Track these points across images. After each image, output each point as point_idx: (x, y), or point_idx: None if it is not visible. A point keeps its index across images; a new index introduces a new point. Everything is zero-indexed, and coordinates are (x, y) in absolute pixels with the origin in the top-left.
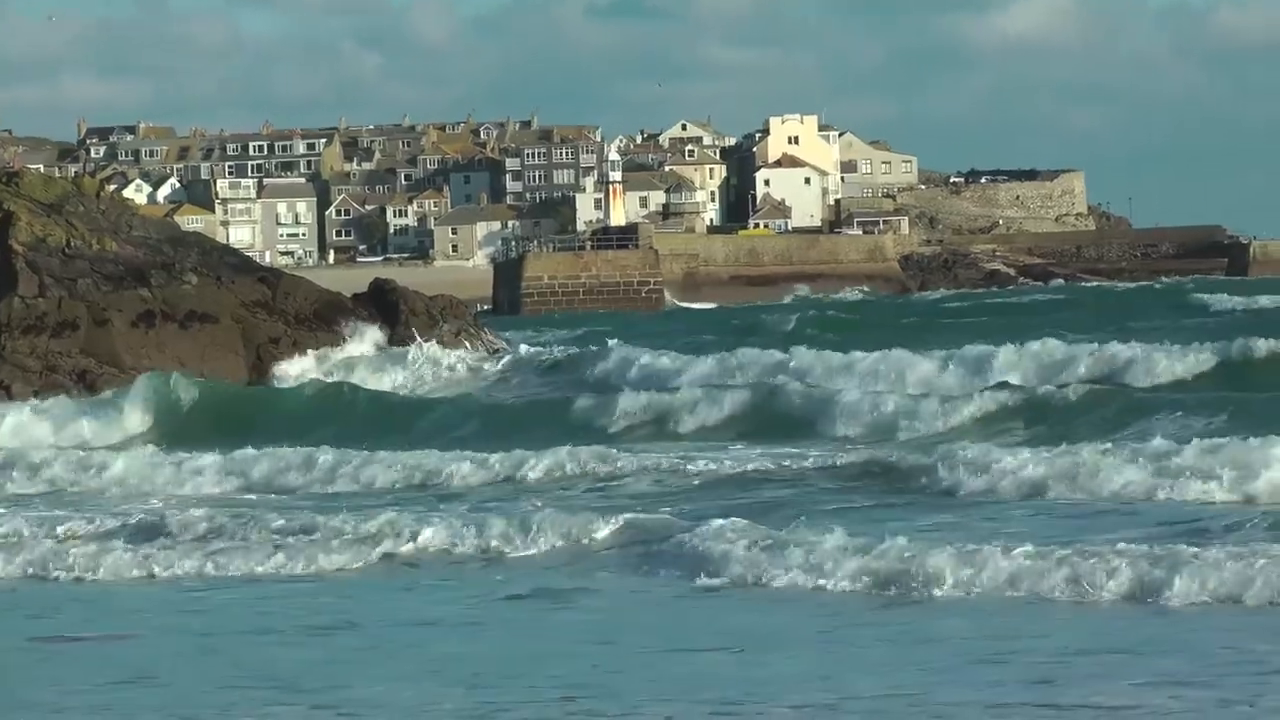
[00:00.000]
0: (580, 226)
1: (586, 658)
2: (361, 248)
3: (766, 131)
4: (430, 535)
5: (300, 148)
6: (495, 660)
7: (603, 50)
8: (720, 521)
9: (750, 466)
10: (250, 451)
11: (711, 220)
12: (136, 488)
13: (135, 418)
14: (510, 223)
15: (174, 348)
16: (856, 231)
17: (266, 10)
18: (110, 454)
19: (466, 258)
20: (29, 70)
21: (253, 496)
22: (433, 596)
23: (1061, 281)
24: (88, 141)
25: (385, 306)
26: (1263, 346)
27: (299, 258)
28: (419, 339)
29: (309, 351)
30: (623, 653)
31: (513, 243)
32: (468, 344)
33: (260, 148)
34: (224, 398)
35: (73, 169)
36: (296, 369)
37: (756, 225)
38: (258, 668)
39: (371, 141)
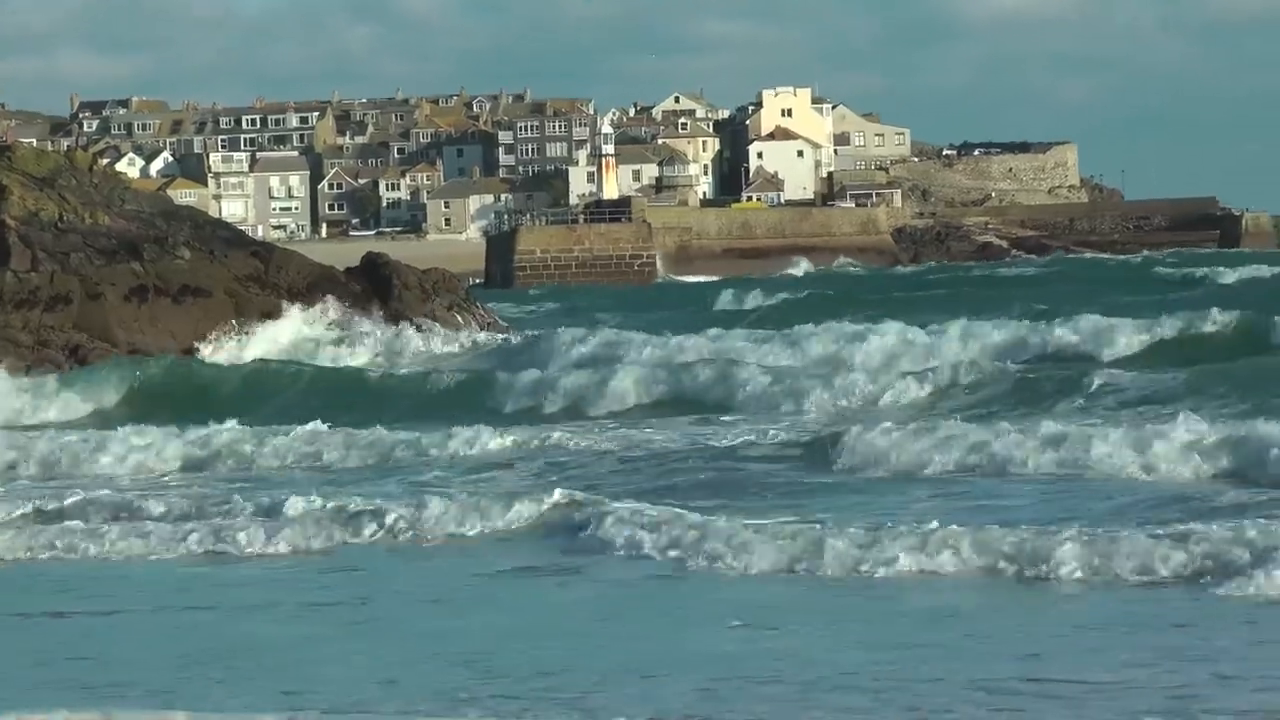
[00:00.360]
0: (573, 200)
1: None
2: (354, 221)
3: (759, 104)
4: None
5: (293, 121)
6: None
7: (595, 23)
8: (633, 504)
9: (666, 446)
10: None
11: (704, 193)
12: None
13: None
14: (503, 196)
15: (167, 322)
16: (849, 204)
17: None
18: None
19: (459, 231)
20: (21, 44)
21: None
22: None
23: (1063, 253)
24: (80, 115)
25: (378, 280)
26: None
27: (292, 231)
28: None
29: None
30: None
31: (505, 216)
32: (459, 318)
33: (253, 121)
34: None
35: (65, 143)
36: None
37: (749, 198)
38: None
39: (364, 115)
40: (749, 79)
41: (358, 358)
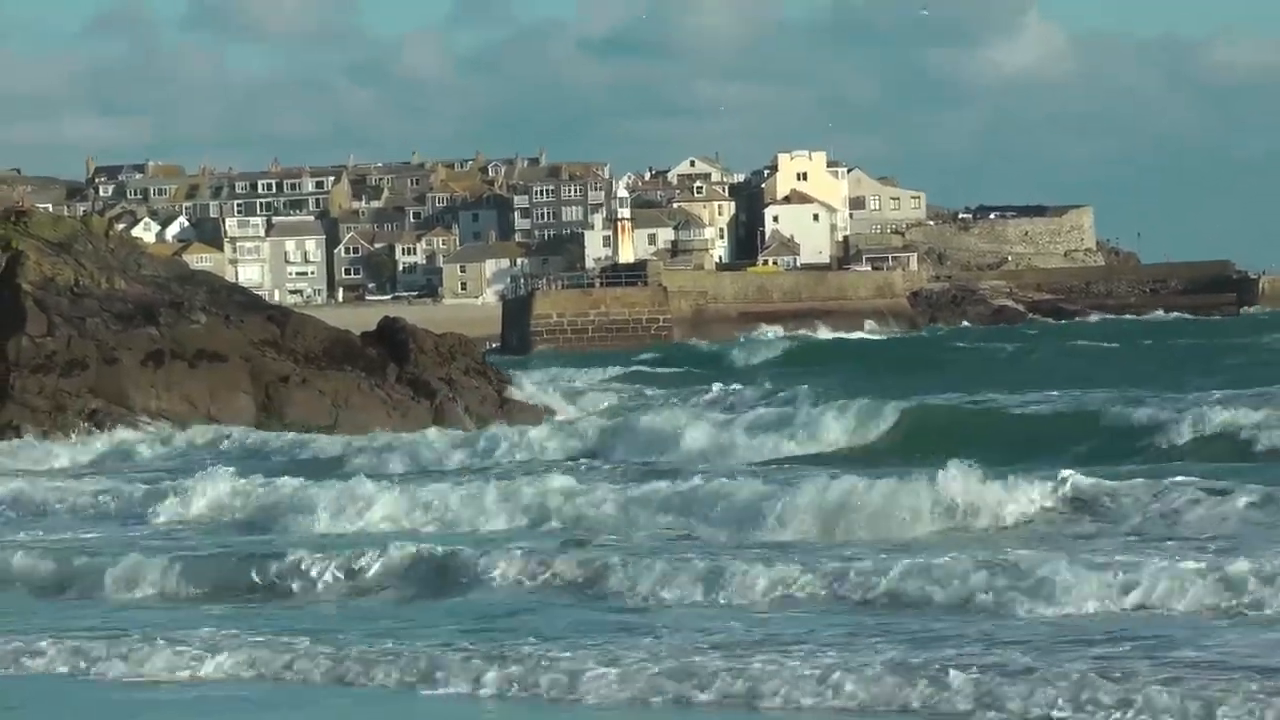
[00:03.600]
0: (589, 264)
1: None
2: (370, 286)
3: (775, 168)
4: None
5: (309, 186)
6: None
7: (604, 86)
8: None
9: None
10: None
11: (720, 257)
12: None
13: None
14: (519, 260)
15: (183, 387)
16: (865, 268)
17: (255, 46)
18: None
19: (475, 295)
20: (32, 109)
21: None
22: None
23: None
24: (96, 180)
25: (394, 345)
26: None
27: (308, 296)
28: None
29: None
30: None
31: (521, 280)
32: (475, 382)
33: (269, 186)
34: None
35: (81, 208)
36: None
37: (765, 262)
38: None
39: (380, 179)
40: (763, 142)
41: None
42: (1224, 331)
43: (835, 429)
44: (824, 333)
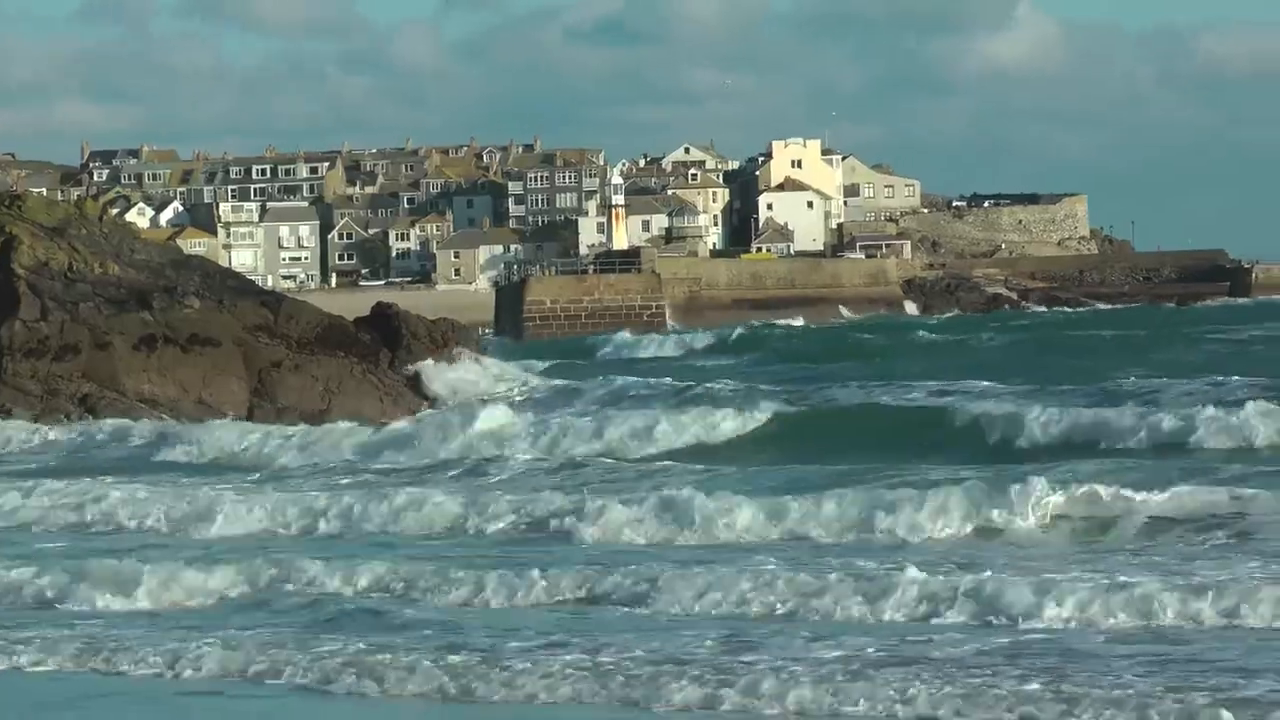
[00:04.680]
0: (583, 250)
1: None
2: (364, 271)
3: (769, 155)
4: None
5: (303, 171)
6: None
7: (597, 74)
8: None
9: None
10: None
11: (714, 244)
12: None
13: None
14: (513, 246)
15: (176, 372)
16: (859, 255)
17: (250, 33)
18: None
19: (469, 281)
20: (25, 93)
21: None
22: None
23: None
24: (91, 165)
25: (387, 330)
26: None
27: (301, 281)
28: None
29: None
30: None
31: (515, 266)
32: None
33: (263, 171)
34: None
35: (75, 192)
36: None
37: (759, 249)
38: None
39: (374, 165)
40: (757, 130)
41: None
42: (1194, 320)
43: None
44: (799, 320)
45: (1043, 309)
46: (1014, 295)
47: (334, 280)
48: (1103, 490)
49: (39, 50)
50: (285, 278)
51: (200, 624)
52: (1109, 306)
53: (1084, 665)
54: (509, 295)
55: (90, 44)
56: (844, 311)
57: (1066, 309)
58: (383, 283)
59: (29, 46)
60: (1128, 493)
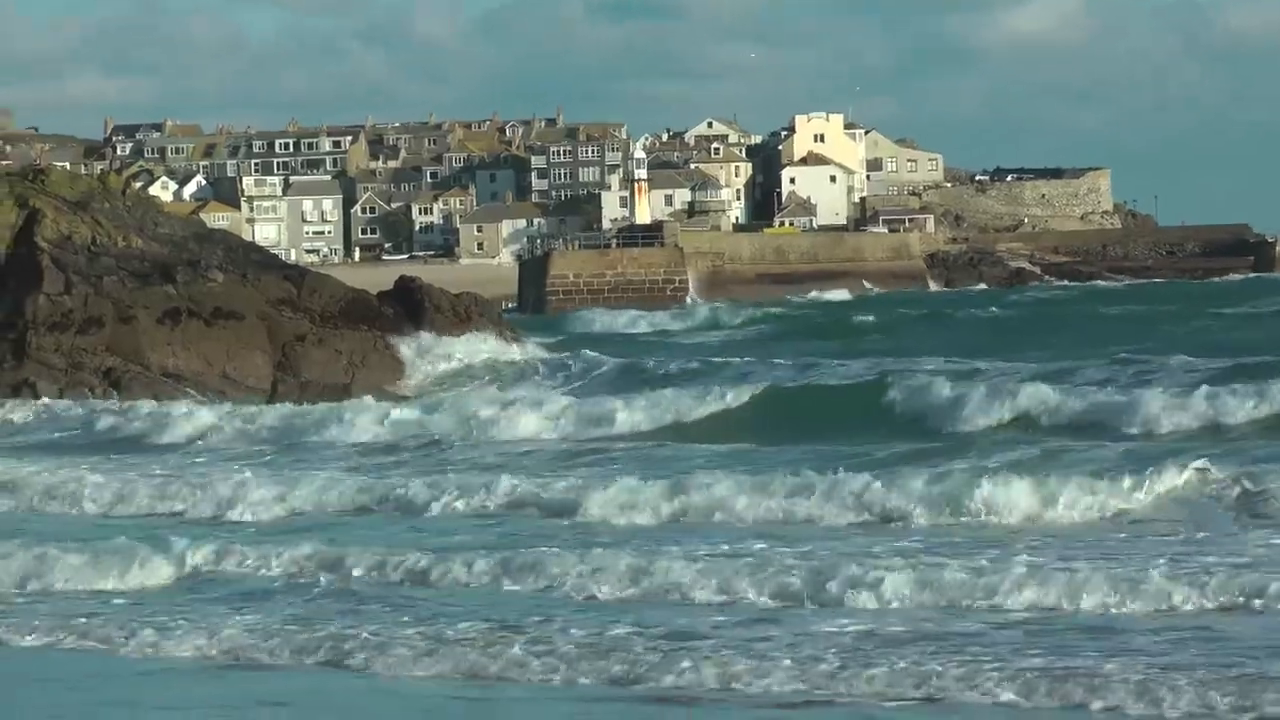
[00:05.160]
0: (606, 224)
1: None
2: (387, 245)
3: (792, 130)
4: None
5: (326, 145)
6: None
7: (619, 48)
8: None
9: None
10: None
11: (737, 218)
12: None
13: None
14: (536, 220)
15: (199, 345)
16: (882, 229)
17: (271, 9)
18: None
19: (492, 255)
20: (47, 68)
21: None
22: None
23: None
24: (114, 139)
25: (410, 304)
26: None
27: (324, 255)
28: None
29: None
30: None
31: (538, 240)
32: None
33: (286, 145)
34: None
35: (99, 166)
36: None
37: (782, 223)
38: None
39: (397, 139)
40: (780, 105)
41: None
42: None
43: None
44: (814, 294)
45: (1068, 283)
46: (1037, 269)
47: (357, 254)
48: None
49: (58, 24)
50: (309, 251)
51: None
52: (1123, 283)
53: None
54: (532, 269)
55: (109, 17)
56: (867, 285)
57: (1100, 282)
58: (406, 257)
59: (49, 21)
60: None
